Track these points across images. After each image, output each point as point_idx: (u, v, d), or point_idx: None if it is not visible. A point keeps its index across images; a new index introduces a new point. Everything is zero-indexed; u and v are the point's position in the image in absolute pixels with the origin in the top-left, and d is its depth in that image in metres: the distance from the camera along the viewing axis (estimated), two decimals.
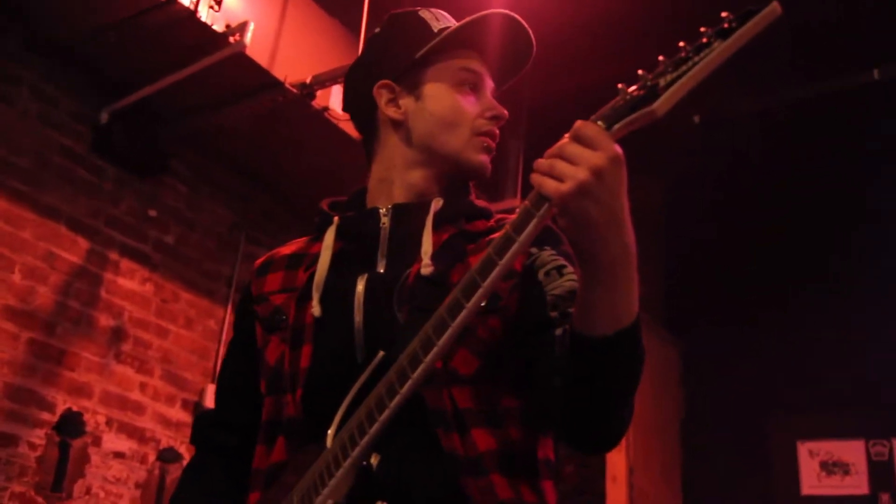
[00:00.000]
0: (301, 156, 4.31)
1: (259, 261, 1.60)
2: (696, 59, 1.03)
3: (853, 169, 4.49)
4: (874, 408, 4.29)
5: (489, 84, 1.51)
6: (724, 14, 1.04)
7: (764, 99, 4.48)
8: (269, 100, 3.87)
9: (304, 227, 4.78)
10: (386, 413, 1.15)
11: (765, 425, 4.59)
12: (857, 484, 4.35)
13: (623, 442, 4.40)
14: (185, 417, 4.12)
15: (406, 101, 1.48)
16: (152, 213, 4.13)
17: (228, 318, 4.40)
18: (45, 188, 3.72)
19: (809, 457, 4.47)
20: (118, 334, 3.90)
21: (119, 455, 3.81)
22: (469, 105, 1.47)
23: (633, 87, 1.07)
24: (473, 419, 1.25)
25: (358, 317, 1.34)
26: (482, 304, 1.12)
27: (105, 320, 3.86)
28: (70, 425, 3.62)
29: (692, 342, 4.93)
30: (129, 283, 3.99)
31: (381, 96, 1.49)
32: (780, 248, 4.72)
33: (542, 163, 1.07)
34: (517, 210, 1.11)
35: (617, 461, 4.30)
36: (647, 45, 4.54)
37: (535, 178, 1.07)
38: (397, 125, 1.48)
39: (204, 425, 1.57)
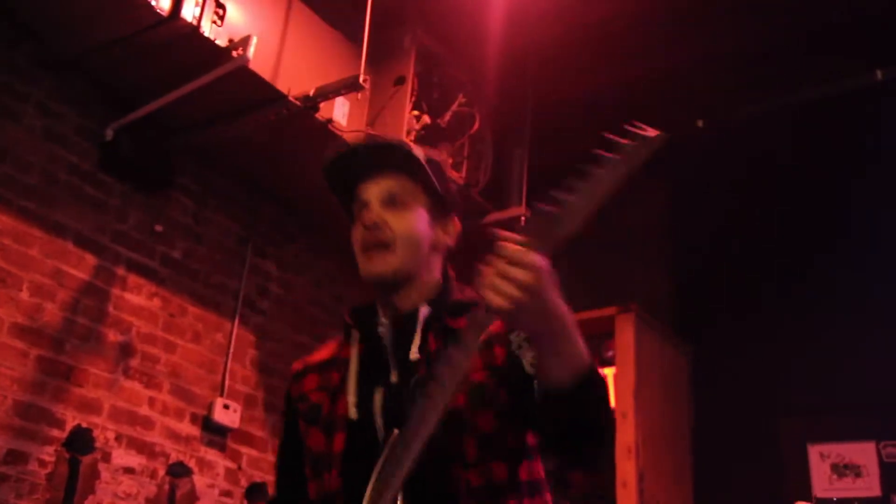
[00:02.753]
0: (305, 167, 4.32)
1: (295, 367, 1.89)
2: (593, 182, 1.28)
3: (862, 170, 4.49)
4: (885, 409, 4.27)
5: (368, 194, 1.74)
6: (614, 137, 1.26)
7: (769, 102, 4.48)
8: (273, 112, 3.89)
9: (309, 238, 4.81)
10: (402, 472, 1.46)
11: (775, 429, 4.57)
12: (869, 486, 4.33)
13: (633, 447, 4.40)
14: (195, 431, 4.12)
15: None
16: (159, 227, 4.14)
17: (236, 331, 4.41)
18: (53, 205, 3.73)
19: (820, 459, 4.45)
20: (126, 350, 3.90)
21: (129, 470, 3.81)
22: (357, 232, 1.75)
23: (546, 206, 1.31)
24: (482, 495, 1.57)
25: (379, 421, 1.64)
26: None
27: (113, 336, 3.86)
28: (80, 442, 3.62)
29: (702, 346, 4.92)
30: (136, 298, 3.99)
31: None
32: (789, 251, 4.71)
33: (486, 275, 1.35)
34: (470, 316, 1.43)
35: (627, 467, 4.29)
36: (651, 48, 4.55)
37: (482, 290, 1.35)
38: None
39: None
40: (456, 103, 4.51)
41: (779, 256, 4.75)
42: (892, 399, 4.22)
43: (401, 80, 4.30)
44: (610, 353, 4.51)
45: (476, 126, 4.63)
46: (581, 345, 1.43)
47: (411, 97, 4.31)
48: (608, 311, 4.54)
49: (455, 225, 1.84)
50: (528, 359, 1.58)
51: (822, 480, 4.48)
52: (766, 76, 4.58)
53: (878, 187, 4.44)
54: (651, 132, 1.28)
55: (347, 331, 1.80)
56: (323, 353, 1.86)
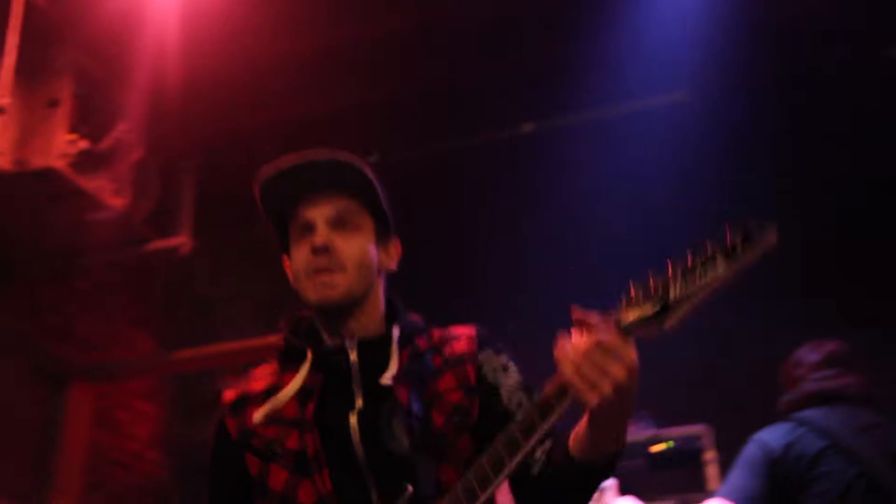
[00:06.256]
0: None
1: (230, 398, 1.69)
2: (705, 276, 1.24)
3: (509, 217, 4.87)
4: None
5: (314, 215, 1.63)
6: (728, 233, 1.23)
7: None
8: None
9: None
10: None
11: None
12: None
13: None
14: None
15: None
16: None
17: None
18: None
19: None
20: None
21: None
22: (302, 254, 1.64)
23: (642, 296, 1.29)
24: None
25: (359, 451, 1.53)
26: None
27: None
28: None
29: None
30: None
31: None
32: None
33: (574, 364, 1.29)
34: (539, 398, 1.39)
35: None
36: (325, 86, 4.59)
37: (572, 380, 1.29)
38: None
39: None
40: (117, 129, 4.26)
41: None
42: None
43: (54, 103, 3.99)
44: None
45: (139, 153, 4.41)
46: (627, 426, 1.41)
47: (67, 120, 4.03)
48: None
49: (397, 247, 1.74)
50: (506, 387, 1.59)
51: None
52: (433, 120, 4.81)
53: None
54: (769, 234, 1.24)
55: (291, 356, 1.66)
56: (259, 381, 1.69)
